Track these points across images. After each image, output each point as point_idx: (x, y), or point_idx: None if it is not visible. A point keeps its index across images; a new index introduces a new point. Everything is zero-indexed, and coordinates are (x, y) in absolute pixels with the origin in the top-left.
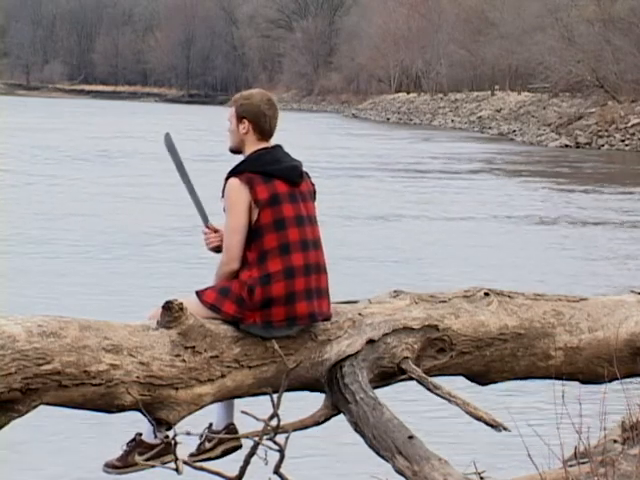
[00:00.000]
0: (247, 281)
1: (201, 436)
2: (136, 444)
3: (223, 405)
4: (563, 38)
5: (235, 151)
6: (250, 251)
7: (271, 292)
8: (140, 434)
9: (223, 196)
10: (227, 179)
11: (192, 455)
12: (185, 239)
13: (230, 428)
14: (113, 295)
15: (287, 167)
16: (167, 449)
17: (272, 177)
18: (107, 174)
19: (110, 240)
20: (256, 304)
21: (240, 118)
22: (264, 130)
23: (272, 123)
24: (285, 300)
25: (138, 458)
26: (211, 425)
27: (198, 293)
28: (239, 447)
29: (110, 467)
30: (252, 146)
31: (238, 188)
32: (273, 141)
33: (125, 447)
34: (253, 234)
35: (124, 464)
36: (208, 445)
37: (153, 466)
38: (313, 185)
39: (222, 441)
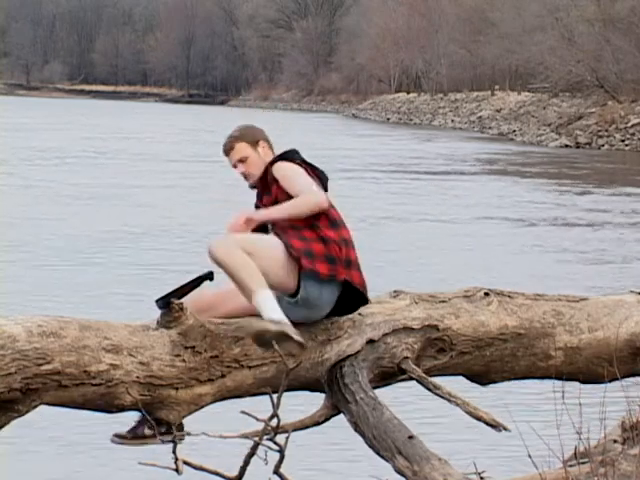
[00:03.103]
0: (333, 238)
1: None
2: (146, 418)
3: None
4: (563, 38)
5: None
6: (318, 220)
7: (349, 254)
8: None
9: (267, 180)
10: (272, 165)
11: (121, 437)
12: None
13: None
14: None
15: (323, 172)
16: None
17: (316, 173)
18: (90, 175)
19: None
20: (343, 260)
21: (254, 143)
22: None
23: None
24: (357, 265)
25: (148, 432)
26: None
27: (298, 260)
28: (182, 438)
29: (119, 437)
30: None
31: (293, 166)
32: (276, 143)
33: (136, 419)
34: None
35: (133, 435)
36: (148, 432)
37: (153, 466)
38: None
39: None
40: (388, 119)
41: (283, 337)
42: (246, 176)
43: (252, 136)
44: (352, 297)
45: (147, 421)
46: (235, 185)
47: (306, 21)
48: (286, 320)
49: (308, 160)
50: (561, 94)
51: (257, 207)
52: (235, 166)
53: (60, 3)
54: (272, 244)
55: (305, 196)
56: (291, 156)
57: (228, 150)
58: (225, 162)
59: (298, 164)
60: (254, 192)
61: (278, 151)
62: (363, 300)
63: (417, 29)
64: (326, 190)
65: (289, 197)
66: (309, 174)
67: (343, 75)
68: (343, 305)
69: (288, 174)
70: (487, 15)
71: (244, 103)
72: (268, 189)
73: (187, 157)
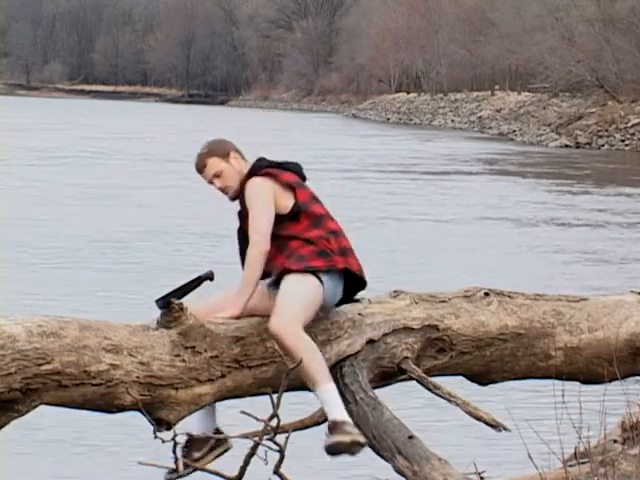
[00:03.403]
0: (320, 234)
1: (187, 446)
2: (192, 443)
3: (205, 412)
4: (563, 38)
5: (238, 195)
6: (300, 223)
7: (342, 243)
8: (190, 435)
9: (242, 199)
10: (245, 183)
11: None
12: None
13: (219, 433)
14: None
15: (295, 163)
16: (219, 441)
17: (287, 170)
18: (90, 175)
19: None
20: (336, 250)
21: (226, 156)
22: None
23: None
24: (352, 253)
25: (188, 455)
26: (190, 436)
27: (286, 270)
28: (229, 448)
29: (172, 473)
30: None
31: (260, 181)
32: (276, 143)
33: (182, 451)
34: (297, 209)
35: (185, 466)
36: (197, 455)
37: (153, 466)
38: None
39: (213, 448)
40: (388, 119)
41: (355, 446)
42: (224, 190)
43: (222, 149)
44: (353, 283)
45: (193, 445)
46: None
47: (306, 21)
48: (349, 419)
49: (280, 161)
50: (561, 94)
51: (240, 214)
52: (211, 182)
53: (60, 3)
54: (311, 294)
55: (250, 253)
56: (258, 166)
57: (201, 168)
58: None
59: (266, 173)
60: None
61: (278, 150)
62: (362, 284)
63: (417, 29)
64: (304, 179)
65: None
66: (279, 173)
67: (343, 75)
68: (346, 292)
69: (251, 197)
70: (487, 15)
71: (244, 103)
72: (244, 207)
73: (187, 157)
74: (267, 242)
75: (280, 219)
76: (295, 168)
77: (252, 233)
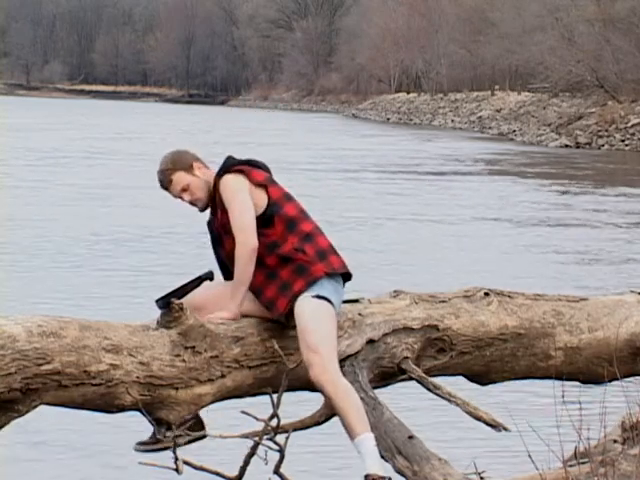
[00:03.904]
0: (294, 245)
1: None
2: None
3: None
4: (563, 38)
5: (208, 204)
6: (274, 228)
7: (319, 244)
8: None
9: (217, 198)
10: (217, 181)
11: (143, 443)
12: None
13: (197, 418)
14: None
15: (262, 162)
16: (197, 423)
17: (255, 167)
18: (90, 175)
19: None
20: (314, 257)
21: (189, 168)
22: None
23: None
24: (332, 251)
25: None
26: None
27: (281, 312)
28: (204, 437)
29: (141, 445)
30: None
31: (234, 178)
32: (276, 143)
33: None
34: (270, 211)
35: (154, 441)
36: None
37: (153, 466)
38: None
39: (190, 429)
40: (388, 119)
41: None
42: (193, 203)
43: (185, 162)
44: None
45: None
46: None
47: (306, 21)
48: (384, 474)
49: (247, 158)
50: (561, 94)
51: (210, 224)
52: (180, 197)
53: (60, 3)
54: (330, 322)
55: (238, 252)
56: (230, 164)
57: (167, 184)
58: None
59: (238, 170)
60: None
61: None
62: (347, 277)
63: (417, 29)
64: (270, 173)
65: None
66: (249, 172)
67: (343, 75)
68: None
69: (228, 194)
70: (487, 15)
71: (244, 103)
72: (222, 204)
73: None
74: (254, 238)
75: (255, 222)
76: (263, 166)
77: (237, 232)
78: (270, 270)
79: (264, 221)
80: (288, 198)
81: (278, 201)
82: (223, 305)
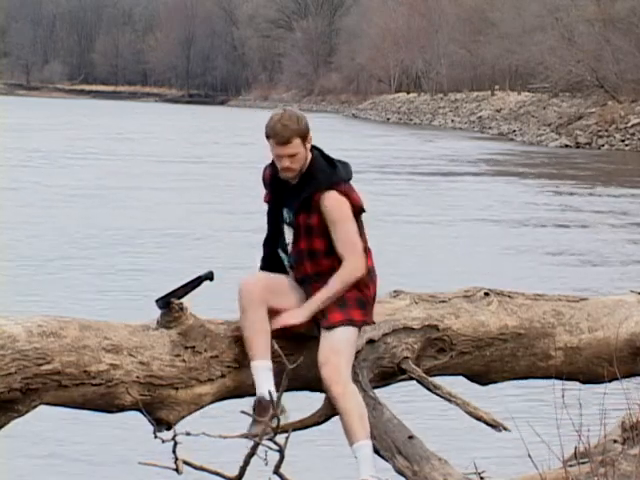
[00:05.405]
0: (364, 278)
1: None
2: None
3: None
4: (563, 38)
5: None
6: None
7: (374, 288)
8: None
9: (311, 212)
10: (319, 192)
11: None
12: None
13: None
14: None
15: (350, 169)
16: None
17: (349, 180)
18: (90, 176)
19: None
20: (371, 299)
21: (305, 138)
22: None
23: None
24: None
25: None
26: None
27: (339, 322)
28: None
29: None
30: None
31: (345, 202)
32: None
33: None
34: None
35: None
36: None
37: (153, 465)
38: None
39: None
40: (388, 119)
41: None
42: (289, 170)
43: (306, 130)
44: None
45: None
46: (233, 186)
47: (306, 21)
48: (377, 476)
49: (347, 170)
50: (561, 94)
51: (288, 206)
52: (280, 157)
53: (60, 3)
54: (353, 342)
55: (346, 274)
56: (338, 180)
57: (284, 142)
58: (226, 162)
59: (344, 192)
60: (244, 197)
61: None
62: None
63: (417, 29)
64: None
65: (326, 230)
66: (351, 193)
67: (343, 75)
68: None
69: (338, 216)
70: (487, 15)
71: (244, 103)
72: (308, 209)
73: (186, 158)
74: (365, 267)
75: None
76: (351, 174)
77: (349, 255)
78: (310, 277)
79: None
80: (363, 228)
81: (359, 229)
82: (287, 301)
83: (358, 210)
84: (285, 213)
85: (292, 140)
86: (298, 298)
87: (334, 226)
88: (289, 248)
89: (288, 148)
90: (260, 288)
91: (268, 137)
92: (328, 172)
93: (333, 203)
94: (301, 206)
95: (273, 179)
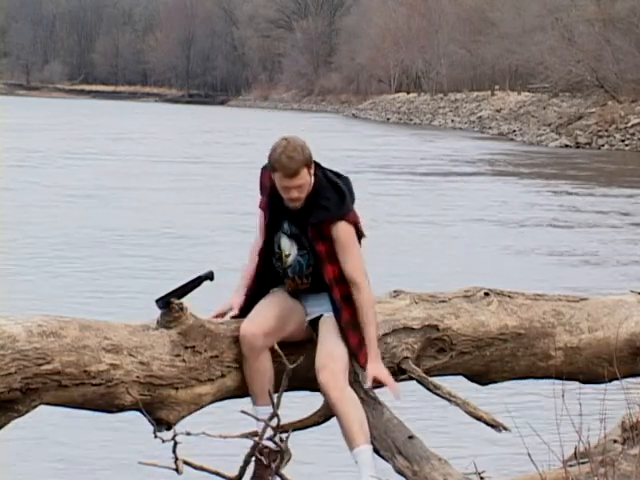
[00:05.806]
0: None
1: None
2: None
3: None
4: (563, 38)
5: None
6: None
7: None
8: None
9: (327, 227)
10: (329, 223)
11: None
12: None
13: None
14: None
15: (351, 186)
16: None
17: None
18: (90, 176)
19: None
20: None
21: (310, 166)
22: None
23: None
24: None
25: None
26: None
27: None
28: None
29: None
30: None
31: (353, 233)
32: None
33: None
34: None
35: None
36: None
37: (153, 465)
38: None
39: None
40: (388, 119)
41: None
42: (295, 200)
43: (310, 158)
44: None
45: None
46: (232, 186)
47: (306, 21)
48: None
49: (350, 190)
50: (561, 94)
51: (311, 229)
52: (288, 189)
53: (60, 3)
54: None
55: (367, 297)
56: (347, 210)
57: (292, 174)
58: (226, 162)
59: (352, 221)
60: (244, 197)
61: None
62: None
63: (417, 29)
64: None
65: (334, 254)
66: (358, 221)
67: (343, 75)
68: None
69: (349, 242)
70: (487, 15)
71: (244, 103)
72: (320, 236)
73: (185, 158)
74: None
75: None
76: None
77: (362, 281)
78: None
79: None
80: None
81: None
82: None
83: (360, 236)
84: (286, 225)
85: (300, 171)
86: (298, 314)
87: (343, 251)
88: (289, 259)
89: (296, 180)
90: (262, 336)
91: (274, 170)
92: (339, 203)
93: (344, 233)
94: (314, 233)
95: (273, 192)
